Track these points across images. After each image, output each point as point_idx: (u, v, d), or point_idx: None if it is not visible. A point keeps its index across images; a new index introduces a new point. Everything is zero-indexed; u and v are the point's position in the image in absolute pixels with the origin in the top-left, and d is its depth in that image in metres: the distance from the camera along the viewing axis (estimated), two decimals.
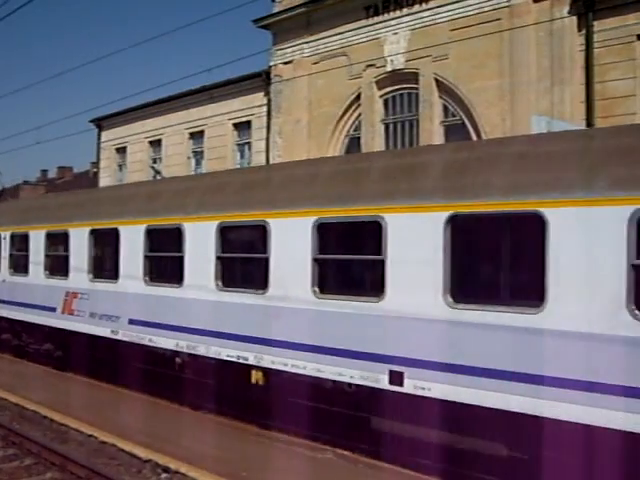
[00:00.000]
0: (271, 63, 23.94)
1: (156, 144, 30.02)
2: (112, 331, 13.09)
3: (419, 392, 8.19)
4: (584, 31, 16.65)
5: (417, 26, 19.75)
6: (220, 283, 10.87)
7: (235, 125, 26.19)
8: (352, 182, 9.34)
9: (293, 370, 9.60)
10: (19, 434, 10.48)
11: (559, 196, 7.20)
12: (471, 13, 18.46)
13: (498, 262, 7.95)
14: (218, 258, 10.87)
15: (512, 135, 14.99)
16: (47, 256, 15.77)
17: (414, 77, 19.98)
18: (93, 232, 14.05)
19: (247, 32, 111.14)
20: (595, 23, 16.43)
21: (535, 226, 7.32)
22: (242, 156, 26.11)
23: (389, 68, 20.49)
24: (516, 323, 7.40)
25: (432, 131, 19.52)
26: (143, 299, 12.35)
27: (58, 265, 15.19)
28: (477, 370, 7.66)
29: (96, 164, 35.76)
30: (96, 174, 34.87)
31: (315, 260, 9.40)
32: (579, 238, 7.06)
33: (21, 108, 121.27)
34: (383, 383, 8.52)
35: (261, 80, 24.58)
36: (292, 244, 9.75)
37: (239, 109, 25.74)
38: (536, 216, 7.32)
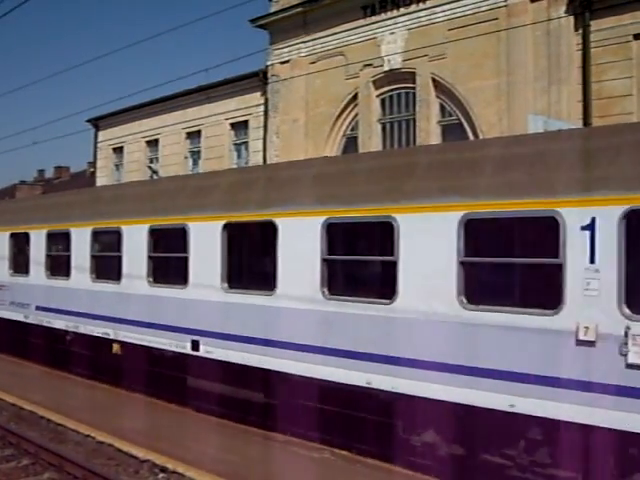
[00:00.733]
0: (268, 63, 23.93)
1: (153, 144, 30.00)
2: (25, 316, 16.52)
3: (208, 355, 11.12)
4: (581, 31, 16.66)
5: (414, 26, 19.75)
6: (94, 275, 14.15)
7: (232, 125, 26.17)
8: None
9: (137, 342, 12.73)
10: (16, 434, 10.46)
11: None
12: (468, 13, 18.47)
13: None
14: (92, 256, 14.24)
15: (508, 134, 15.04)
16: None
17: (411, 77, 19.99)
18: (13, 235, 17.27)
19: (244, 32, 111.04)
20: (592, 23, 16.44)
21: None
22: (239, 156, 26.09)
23: (386, 68, 20.49)
24: (248, 301, 10.43)
25: (429, 131, 19.54)
26: (45, 290, 15.68)
27: None
28: (242, 338, 10.47)
29: (93, 164, 35.73)
30: (93, 174, 34.84)
31: (150, 257, 12.51)
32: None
33: (18, 108, 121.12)
34: (188, 349, 11.42)
35: (258, 80, 24.56)
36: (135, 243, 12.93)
37: (236, 109, 25.73)
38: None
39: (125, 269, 13.08)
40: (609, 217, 6.96)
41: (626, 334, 6.82)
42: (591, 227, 7.07)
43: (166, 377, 12.37)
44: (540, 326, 7.32)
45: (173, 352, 11.88)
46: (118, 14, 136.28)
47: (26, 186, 54.07)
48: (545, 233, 7.48)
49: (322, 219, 9.43)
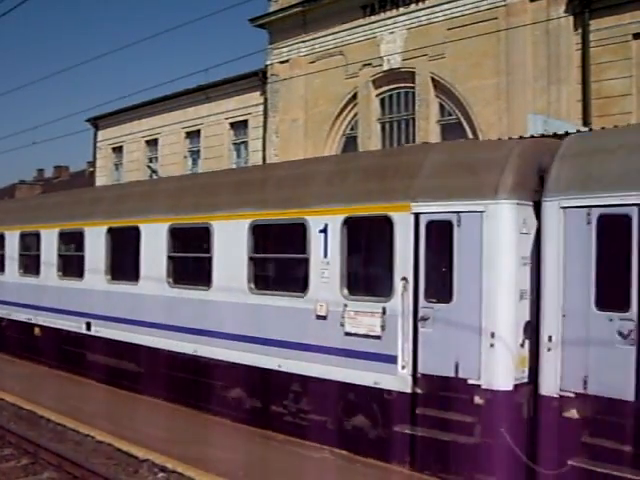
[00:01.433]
0: (267, 62, 23.91)
1: (152, 143, 29.98)
2: None
3: (97, 333, 14.29)
4: (580, 30, 16.63)
5: (413, 25, 19.75)
6: (22, 271, 17.59)
7: (232, 124, 26.14)
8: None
9: (50, 325, 16.01)
10: (16, 434, 10.46)
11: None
12: (467, 12, 18.46)
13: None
14: (21, 255, 17.70)
15: (508, 135, 15.04)
16: None
17: (410, 76, 19.98)
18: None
19: (243, 31, 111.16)
20: (591, 22, 16.41)
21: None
22: (239, 155, 26.07)
23: (385, 67, 20.48)
24: (123, 289, 13.68)
25: (428, 130, 19.54)
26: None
27: None
28: (120, 319, 13.52)
29: (92, 163, 35.71)
30: (92, 173, 34.82)
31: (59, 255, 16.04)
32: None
33: (17, 107, 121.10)
34: (83, 329, 14.66)
35: (257, 79, 24.53)
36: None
37: (235, 108, 25.70)
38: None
39: (43, 265, 16.39)
40: (335, 223, 9.54)
41: (344, 310, 9.32)
42: (325, 230, 9.67)
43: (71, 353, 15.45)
44: (295, 306, 10.04)
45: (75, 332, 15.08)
46: (118, 14, 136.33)
47: (25, 186, 54.10)
48: (299, 235, 10.01)
49: (167, 225, 12.48)
